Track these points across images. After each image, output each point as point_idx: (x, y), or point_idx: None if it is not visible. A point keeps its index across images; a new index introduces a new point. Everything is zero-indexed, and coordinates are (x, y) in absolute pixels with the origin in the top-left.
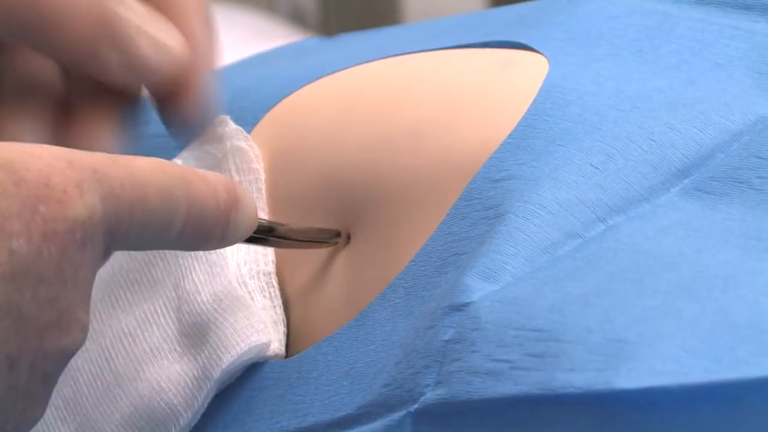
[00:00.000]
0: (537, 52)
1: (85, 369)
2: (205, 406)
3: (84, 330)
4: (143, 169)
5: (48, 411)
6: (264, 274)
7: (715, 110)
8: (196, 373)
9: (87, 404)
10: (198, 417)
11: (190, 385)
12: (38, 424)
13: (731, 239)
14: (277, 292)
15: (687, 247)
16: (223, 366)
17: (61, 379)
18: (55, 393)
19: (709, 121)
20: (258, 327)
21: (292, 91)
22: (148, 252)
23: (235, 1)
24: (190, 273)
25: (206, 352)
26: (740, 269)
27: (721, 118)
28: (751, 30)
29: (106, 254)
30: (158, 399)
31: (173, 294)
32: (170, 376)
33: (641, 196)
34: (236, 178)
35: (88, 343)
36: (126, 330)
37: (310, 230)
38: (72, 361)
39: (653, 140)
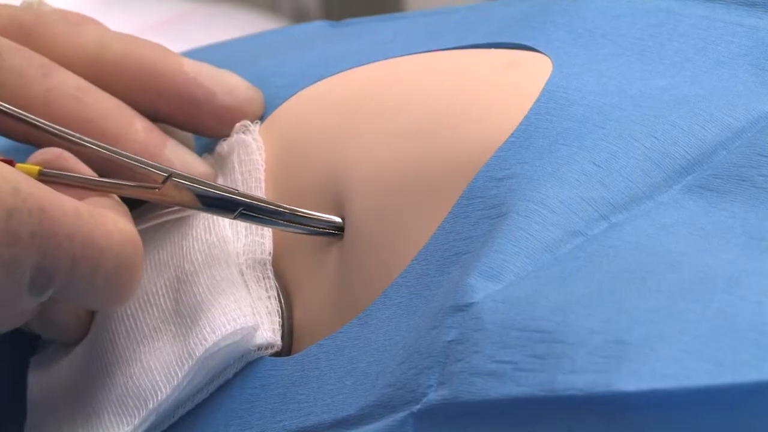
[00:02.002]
0: (541, 53)
1: (93, 353)
2: (185, 382)
3: None
4: (110, 233)
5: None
6: (260, 263)
7: (718, 107)
8: (180, 353)
9: (93, 385)
10: (176, 393)
11: (174, 364)
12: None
13: (733, 238)
14: (272, 283)
15: (689, 246)
16: (207, 345)
17: (77, 365)
18: (71, 380)
19: (711, 118)
20: (246, 311)
21: (298, 90)
22: (157, 235)
23: (236, 1)
24: (190, 254)
25: (194, 332)
26: (743, 269)
27: (723, 115)
28: (754, 26)
29: (35, 291)
30: (145, 378)
31: (173, 275)
32: (160, 356)
33: (644, 193)
34: (237, 169)
35: (98, 330)
36: (129, 311)
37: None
38: (82, 349)
39: (656, 138)
